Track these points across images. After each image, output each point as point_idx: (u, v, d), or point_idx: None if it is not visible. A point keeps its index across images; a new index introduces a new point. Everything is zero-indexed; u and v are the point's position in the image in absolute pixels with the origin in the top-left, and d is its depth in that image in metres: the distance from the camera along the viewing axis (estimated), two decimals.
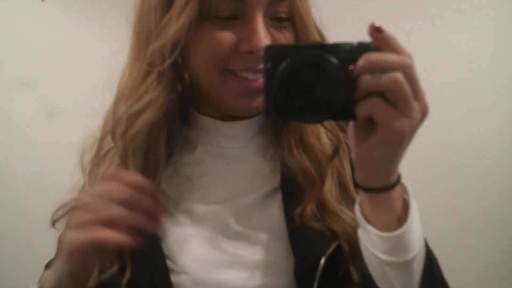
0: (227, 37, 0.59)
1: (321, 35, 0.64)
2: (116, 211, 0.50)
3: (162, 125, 0.63)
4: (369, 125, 0.46)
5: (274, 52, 0.47)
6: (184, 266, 0.61)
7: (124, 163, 0.62)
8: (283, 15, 0.61)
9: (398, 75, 0.44)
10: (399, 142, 0.46)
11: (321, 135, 0.66)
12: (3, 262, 1.64)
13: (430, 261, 0.54)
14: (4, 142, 1.61)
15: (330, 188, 0.63)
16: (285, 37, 0.61)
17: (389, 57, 0.45)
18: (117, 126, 0.62)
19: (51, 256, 0.66)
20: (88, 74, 1.56)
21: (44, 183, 1.57)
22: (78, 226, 0.51)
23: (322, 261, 0.59)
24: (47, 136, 1.61)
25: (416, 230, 0.51)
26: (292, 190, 0.64)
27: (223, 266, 0.61)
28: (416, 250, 0.50)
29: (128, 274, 0.60)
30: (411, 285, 0.52)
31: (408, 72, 0.45)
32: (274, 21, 0.60)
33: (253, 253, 0.62)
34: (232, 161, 0.67)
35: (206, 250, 0.62)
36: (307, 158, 0.64)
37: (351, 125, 0.49)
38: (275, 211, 0.64)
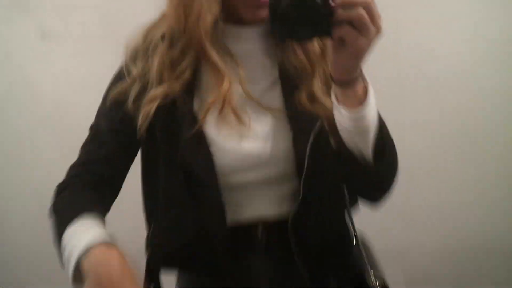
0: None
1: None
2: None
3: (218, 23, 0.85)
4: (340, 43, 0.71)
5: None
6: (215, 137, 0.86)
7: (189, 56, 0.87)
8: None
9: (361, 10, 0.67)
10: (360, 53, 0.71)
11: (314, 41, 0.88)
12: None
13: (381, 127, 0.80)
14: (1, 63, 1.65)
15: (318, 84, 0.86)
16: None
17: None
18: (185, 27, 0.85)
19: None
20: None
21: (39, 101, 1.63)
22: None
23: (312, 133, 0.84)
24: (41, 58, 1.64)
25: (372, 109, 0.77)
26: (287, 79, 0.88)
27: (244, 137, 0.86)
28: (371, 121, 0.77)
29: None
30: (368, 143, 0.79)
31: (368, 7, 0.67)
32: None
33: (264, 128, 0.87)
34: (242, 58, 0.88)
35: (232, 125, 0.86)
36: (303, 56, 0.87)
37: (329, 42, 0.73)
38: (275, 96, 0.88)
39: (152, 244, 0.93)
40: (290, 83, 0.87)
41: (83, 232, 0.76)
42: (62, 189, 0.89)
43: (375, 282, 0.91)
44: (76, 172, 0.91)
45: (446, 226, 1.69)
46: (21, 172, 1.68)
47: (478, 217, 1.69)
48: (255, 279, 0.89)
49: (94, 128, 0.94)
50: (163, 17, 0.91)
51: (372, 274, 0.93)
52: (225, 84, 0.84)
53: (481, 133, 1.66)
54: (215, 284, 0.90)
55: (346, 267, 0.95)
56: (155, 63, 0.87)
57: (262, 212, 0.89)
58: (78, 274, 0.73)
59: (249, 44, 0.89)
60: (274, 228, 0.88)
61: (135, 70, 0.89)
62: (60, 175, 0.93)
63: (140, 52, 0.90)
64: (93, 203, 0.85)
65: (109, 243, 0.74)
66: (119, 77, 0.92)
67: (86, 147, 0.93)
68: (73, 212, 0.80)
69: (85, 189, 0.89)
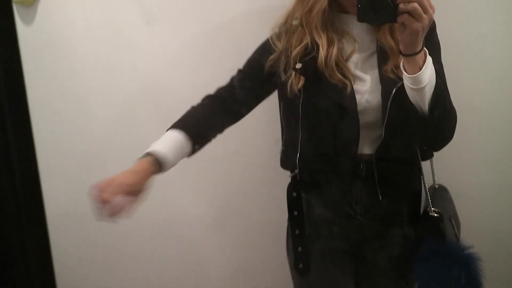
0: None
1: None
2: None
3: (326, 11, 1.20)
4: (403, 27, 1.01)
5: None
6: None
7: (311, 36, 1.21)
8: None
9: (415, 4, 0.98)
10: (417, 33, 1.00)
11: (395, 32, 1.20)
12: None
13: (438, 89, 1.08)
14: (109, 47, 1.79)
15: (400, 59, 1.11)
16: None
17: None
18: (304, 16, 1.22)
19: None
20: None
21: (144, 79, 1.79)
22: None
23: (394, 89, 1.16)
24: (146, 42, 1.77)
25: (427, 73, 1.05)
26: (382, 52, 1.21)
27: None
28: (426, 82, 1.05)
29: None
30: (424, 100, 1.07)
31: (421, 2, 0.98)
32: None
33: (366, 85, 1.21)
34: (354, 35, 1.23)
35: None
36: (392, 41, 1.20)
37: (396, 26, 1.12)
38: (373, 64, 1.22)
39: (301, 162, 1.28)
40: (383, 55, 1.20)
41: (155, 144, 1.21)
42: (205, 97, 1.37)
43: (432, 212, 1.25)
44: (220, 91, 1.36)
45: None
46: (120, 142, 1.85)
47: None
48: (353, 201, 1.26)
49: (242, 72, 1.37)
50: (294, 6, 1.25)
51: (431, 206, 1.26)
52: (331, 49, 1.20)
53: None
54: (335, 195, 1.27)
55: (414, 199, 1.30)
56: (293, 42, 1.23)
57: (363, 150, 1.23)
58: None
59: (356, 26, 1.21)
60: (368, 162, 1.22)
61: (280, 45, 1.27)
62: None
63: (282, 33, 1.28)
64: (204, 122, 1.31)
65: (149, 160, 1.16)
66: (265, 48, 1.31)
67: (236, 78, 1.36)
68: (179, 123, 1.28)
69: (214, 107, 1.34)
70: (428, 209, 1.27)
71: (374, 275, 1.31)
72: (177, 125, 1.26)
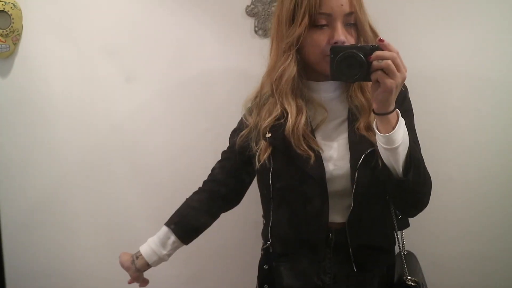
0: (322, 37, 1.14)
1: (373, 31, 1.17)
2: None
3: (296, 78, 1.19)
4: (377, 84, 1.01)
5: (335, 49, 1.06)
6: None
7: (281, 103, 1.20)
8: (351, 22, 1.14)
9: (389, 61, 0.99)
10: (390, 91, 1.00)
11: (366, 90, 1.21)
12: None
13: (411, 150, 1.08)
14: (89, 103, 1.79)
15: (371, 118, 1.14)
16: (352, 34, 1.15)
17: (385, 53, 1.00)
18: (274, 83, 1.20)
19: None
20: (161, 47, 1.72)
21: (121, 134, 1.79)
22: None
23: (363, 155, 1.15)
24: (125, 99, 1.78)
25: (400, 133, 1.04)
26: (353, 118, 1.20)
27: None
28: (400, 142, 1.04)
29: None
30: (398, 160, 1.06)
31: (394, 60, 0.99)
32: (347, 26, 1.14)
33: (334, 152, 1.20)
34: (324, 104, 1.23)
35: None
36: (363, 99, 1.20)
37: (368, 84, 1.15)
38: (343, 130, 1.21)
39: (274, 234, 1.28)
40: (354, 118, 1.19)
41: (147, 244, 1.38)
42: (199, 189, 1.43)
43: (409, 281, 1.23)
44: (212, 178, 1.42)
45: None
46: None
47: None
48: (321, 271, 1.24)
49: (222, 158, 1.41)
50: (264, 79, 1.26)
51: (408, 276, 1.24)
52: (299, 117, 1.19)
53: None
54: (304, 265, 1.25)
55: (387, 267, 1.28)
56: (263, 114, 1.24)
57: (333, 218, 1.21)
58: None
59: (327, 93, 1.23)
60: (340, 231, 1.20)
61: (251, 120, 1.28)
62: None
63: (254, 107, 1.29)
64: (202, 214, 1.39)
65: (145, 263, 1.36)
66: (238, 127, 1.34)
67: (216, 166, 1.42)
68: (177, 217, 1.38)
69: (209, 198, 1.40)
70: (404, 277, 1.24)
71: None
72: (174, 230, 1.37)
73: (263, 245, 1.33)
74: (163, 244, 1.35)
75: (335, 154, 1.20)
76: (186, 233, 1.37)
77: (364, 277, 1.23)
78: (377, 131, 1.06)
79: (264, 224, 1.34)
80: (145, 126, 1.78)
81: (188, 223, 1.37)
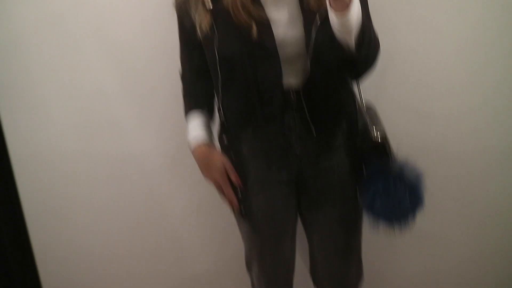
0: None
1: None
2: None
3: None
4: None
5: None
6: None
7: None
8: None
9: None
10: None
11: None
12: None
13: (363, 26, 1.05)
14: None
15: None
16: None
17: None
18: None
19: None
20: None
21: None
22: (207, 175, 1.30)
23: (319, 20, 1.11)
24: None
25: (354, 13, 1.01)
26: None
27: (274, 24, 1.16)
28: (353, 21, 1.02)
29: None
30: (351, 38, 1.06)
31: None
32: None
33: (285, 17, 1.16)
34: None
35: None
36: None
37: None
38: None
39: (225, 107, 1.25)
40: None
41: (193, 132, 1.30)
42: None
43: (376, 134, 1.21)
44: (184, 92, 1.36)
45: None
46: None
47: None
48: (286, 131, 1.21)
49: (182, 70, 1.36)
50: None
51: (374, 128, 1.23)
52: None
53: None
54: (262, 132, 1.22)
55: (349, 124, 1.26)
56: None
57: (289, 82, 1.18)
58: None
59: None
60: (298, 93, 1.18)
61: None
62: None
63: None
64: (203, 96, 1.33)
65: (206, 143, 1.28)
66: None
67: (184, 81, 1.36)
68: (191, 105, 1.33)
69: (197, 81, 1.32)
70: (370, 133, 1.22)
71: (318, 204, 1.28)
72: (193, 107, 1.33)
73: (219, 120, 1.31)
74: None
75: (286, 18, 1.16)
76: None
77: (329, 135, 1.23)
78: (330, 11, 1.04)
79: (217, 99, 1.30)
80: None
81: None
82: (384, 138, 1.20)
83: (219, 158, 1.27)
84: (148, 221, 1.75)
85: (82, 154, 1.68)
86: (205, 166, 1.29)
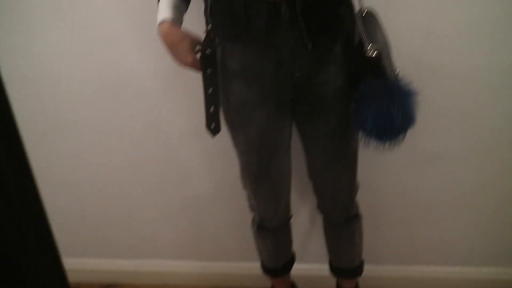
0: None
1: None
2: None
3: None
4: None
5: None
6: None
7: None
8: None
9: None
10: None
11: None
12: None
13: None
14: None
15: None
16: None
17: None
18: None
19: None
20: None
21: None
22: (175, 57, 1.21)
23: None
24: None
25: None
26: None
27: None
28: None
29: None
30: None
31: None
32: None
33: None
34: None
35: None
36: None
37: None
38: None
39: (212, 16, 1.18)
40: None
41: (162, 10, 1.18)
42: None
43: (370, 49, 1.13)
44: None
45: None
46: None
47: None
48: (278, 45, 1.15)
49: None
50: None
51: (369, 44, 1.14)
52: None
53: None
54: (254, 45, 1.17)
55: (346, 37, 1.20)
56: None
57: None
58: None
59: None
60: (290, 5, 1.10)
61: None
62: None
63: None
64: None
65: (173, 22, 1.17)
66: None
67: None
68: None
69: None
70: (365, 48, 1.14)
71: (311, 117, 1.27)
72: None
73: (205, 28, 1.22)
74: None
75: None
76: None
77: (323, 48, 1.18)
78: None
79: (204, 3, 1.22)
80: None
81: None
82: (379, 56, 1.13)
83: (182, 37, 1.19)
84: (148, 143, 1.78)
85: (82, 74, 1.70)
86: (172, 50, 1.21)
